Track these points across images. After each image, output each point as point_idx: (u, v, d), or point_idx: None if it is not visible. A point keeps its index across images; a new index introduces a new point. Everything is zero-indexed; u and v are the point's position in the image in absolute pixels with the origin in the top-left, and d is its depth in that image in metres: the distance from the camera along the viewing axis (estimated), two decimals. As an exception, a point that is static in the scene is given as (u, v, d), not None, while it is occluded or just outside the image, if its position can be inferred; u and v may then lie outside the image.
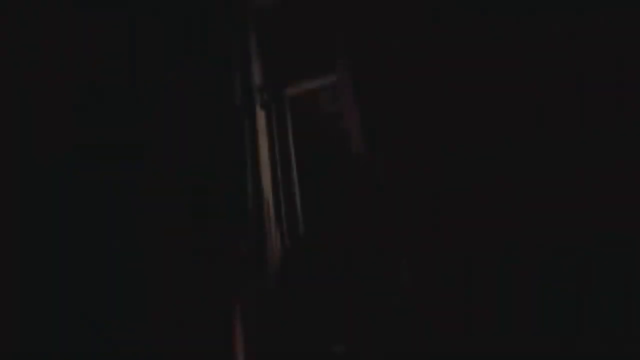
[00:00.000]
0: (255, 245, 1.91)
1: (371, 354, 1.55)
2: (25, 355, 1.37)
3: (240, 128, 1.87)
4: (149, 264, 1.47)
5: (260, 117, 2.64)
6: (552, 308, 1.28)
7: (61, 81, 1.81)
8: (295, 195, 3.72)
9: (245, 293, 1.56)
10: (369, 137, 2.32)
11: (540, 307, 1.29)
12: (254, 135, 2.20)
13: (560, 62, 1.55)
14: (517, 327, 1.29)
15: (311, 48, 4.05)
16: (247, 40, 2.54)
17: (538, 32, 1.62)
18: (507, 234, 1.40)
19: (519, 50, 1.62)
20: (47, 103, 1.76)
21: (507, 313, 1.31)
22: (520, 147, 1.48)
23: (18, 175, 1.62)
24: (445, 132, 1.58)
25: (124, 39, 1.90)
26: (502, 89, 1.59)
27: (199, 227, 1.52)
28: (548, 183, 1.42)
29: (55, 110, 1.76)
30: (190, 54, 1.85)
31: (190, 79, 1.79)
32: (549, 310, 1.28)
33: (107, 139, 1.71)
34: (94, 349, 1.36)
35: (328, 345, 1.59)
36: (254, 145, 2.20)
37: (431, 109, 1.64)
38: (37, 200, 1.59)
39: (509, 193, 1.45)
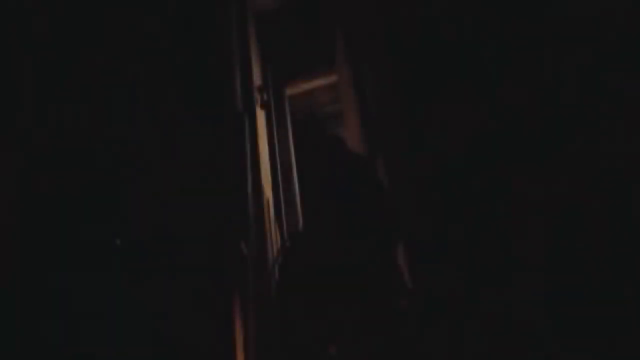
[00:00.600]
0: (255, 245, 1.91)
1: (371, 355, 1.55)
2: (22, 352, 1.37)
3: (240, 128, 1.87)
4: (149, 263, 1.47)
5: (260, 117, 2.64)
6: (554, 311, 1.28)
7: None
8: (295, 195, 3.72)
9: (245, 293, 1.56)
10: (369, 137, 2.32)
11: (540, 309, 1.30)
12: (254, 135, 2.20)
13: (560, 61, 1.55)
14: (518, 328, 1.29)
15: (311, 48, 4.06)
16: (247, 40, 2.54)
17: (538, 33, 1.62)
18: (506, 233, 1.40)
19: (520, 50, 1.62)
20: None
21: (507, 314, 1.31)
22: (521, 148, 1.49)
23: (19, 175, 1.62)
24: (446, 132, 1.58)
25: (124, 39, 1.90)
26: (503, 88, 1.59)
27: (198, 226, 1.52)
28: (549, 184, 1.42)
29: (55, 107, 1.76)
30: (191, 54, 1.85)
31: (190, 78, 1.80)
32: (549, 313, 1.29)
33: (106, 138, 1.71)
34: (93, 349, 1.36)
35: (328, 346, 1.59)
36: (254, 145, 2.20)
37: (431, 108, 1.64)
38: (37, 200, 1.59)
39: (510, 193, 1.45)
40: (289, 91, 4.19)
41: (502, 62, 1.61)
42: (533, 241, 1.36)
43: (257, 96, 2.44)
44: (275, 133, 3.73)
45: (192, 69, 1.81)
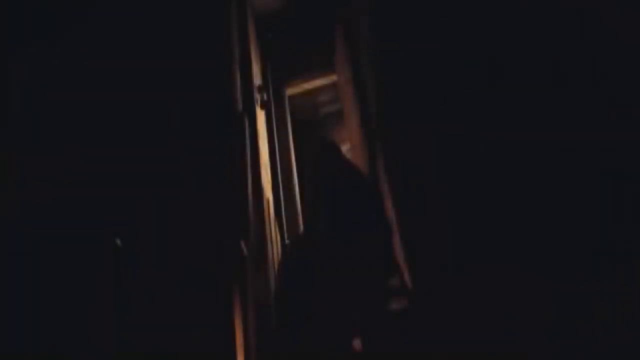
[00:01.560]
0: (255, 245, 1.91)
1: (371, 355, 1.55)
2: (25, 355, 1.37)
3: (241, 128, 1.87)
4: (149, 263, 1.47)
5: (260, 117, 2.64)
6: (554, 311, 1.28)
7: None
8: (295, 195, 3.73)
9: (245, 293, 1.56)
10: (369, 137, 2.32)
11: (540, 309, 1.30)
12: (254, 135, 2.20)
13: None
14: (518, 328, 1.29)
15: (311, 48, 4.05)
16: (247, 40, 2.54)
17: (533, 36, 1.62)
18: (505, 234, 1.40)
19: (521, 49, 1.62)
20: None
21: (505, 315, 1.31)
22: (526, 148, 1.48)
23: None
24: (447, 132, 1.58)
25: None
26: (506, 86, 1.59)
27: (199, 226, 1.52)
28: (547, 188, 1.42)
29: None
30: (191, 55, 1.85)
31: (190, 79, 1.79)
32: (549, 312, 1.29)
33: (104, 137, 1.71)
34: (93, 349, 1.36)
35: (328, 346, 1.59)
36: (254, 145, 2.20)
37: (432, 108, 1.64)
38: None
39: (510, 194, 1.45)
40: (289, 91, 4.18)
41: (502, 63, 1.61)
42: (532, 240, 1.36)
43: (257, 96, 2.44)
44: (275, 133, 3.73)
45: (191, 69, 1.81)
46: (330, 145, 2.02)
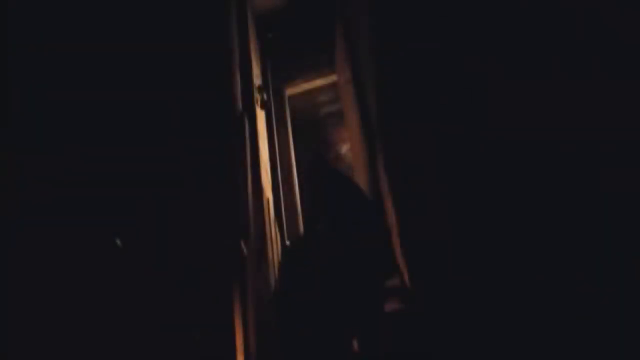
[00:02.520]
0: (255, 245, 1.91)
1: (371, 355, 1.55)
2: (24, 355, 1.37)
3: (241, 128, 1.87)
4: (149, 263, 1.47)
5: (260, 117, 2.64)
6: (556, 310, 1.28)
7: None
8: (295, 195, 3.73)
9: (245, 293, 1.56)
10: (369, 137, 2.32)
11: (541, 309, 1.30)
12: (254, 135, 2.20)
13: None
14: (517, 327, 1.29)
15: (311, 48, 4.05)
16: (247, 40, 2.54)
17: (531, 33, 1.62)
18: (505, 234, 1.40)
19: (521, 49, 1.62)
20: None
21: (506, 313, 1.31)
22: (526, 148, 1.48)
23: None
24: (447, 132, 1.58)
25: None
26: (506, 86, 1.59)
27: (199, 226, 1.52)
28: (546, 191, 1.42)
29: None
30: (191, 54, 1.85)
31: (190, 79, 1.79)
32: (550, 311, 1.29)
33: (103, 137, 1.71)
34: (93, 349, 1.36)
35: (328, 346, 1.59)
36: (254, 145, 2.20)
37: (432, 108, 1.64)
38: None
39: (510, 194, 1.45)
40: (289, 91, 4.18)
41: (502, 63, 1.61)
42: (533, 240, 1.36)
43: (257, 96, 2.44)
44: (275, 133, 3.73)
45: (191, 69, 1.81)
46: (321, 156, 2.05)
